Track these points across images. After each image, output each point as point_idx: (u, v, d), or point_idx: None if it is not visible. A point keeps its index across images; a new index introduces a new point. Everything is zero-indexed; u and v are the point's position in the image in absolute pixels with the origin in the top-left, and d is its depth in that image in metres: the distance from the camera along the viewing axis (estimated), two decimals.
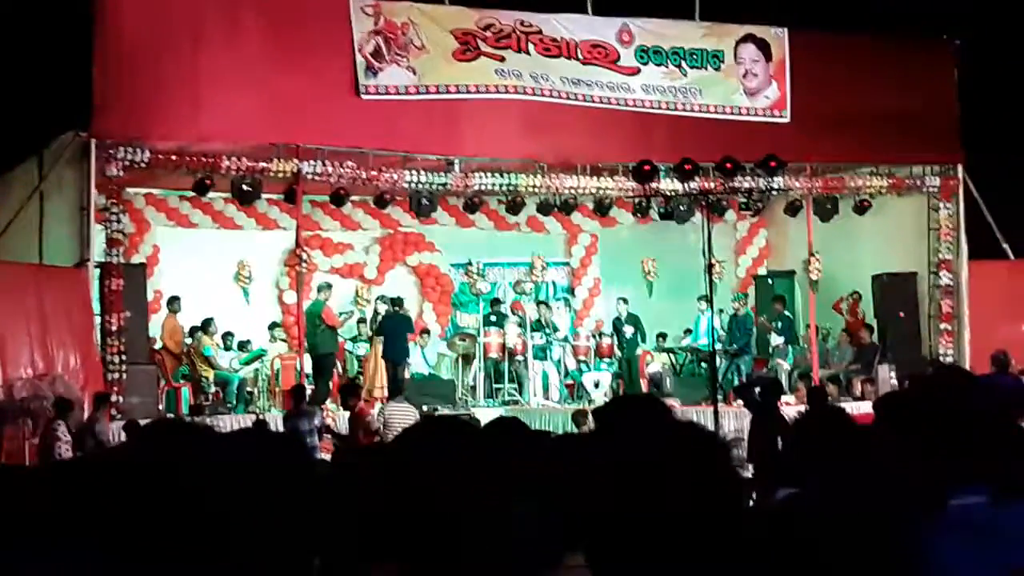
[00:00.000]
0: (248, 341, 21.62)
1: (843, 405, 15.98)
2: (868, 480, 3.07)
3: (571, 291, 26.24)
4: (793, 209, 22.47)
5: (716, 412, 17.03)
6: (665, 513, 2.51)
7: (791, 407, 17.52)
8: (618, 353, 22.74)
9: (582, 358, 22.61)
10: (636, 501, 2.53)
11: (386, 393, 20.72)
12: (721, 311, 22.18)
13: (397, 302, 22.09)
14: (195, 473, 2.35)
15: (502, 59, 20.02)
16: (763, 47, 21.60)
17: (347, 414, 17.06)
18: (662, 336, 23.46)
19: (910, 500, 3.02)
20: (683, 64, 21.09)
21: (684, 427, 2.73)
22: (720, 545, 2.48)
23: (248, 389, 20.59)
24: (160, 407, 18.79)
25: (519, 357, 22.08)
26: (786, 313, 22.76)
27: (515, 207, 21.66)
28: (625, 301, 23.51)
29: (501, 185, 20.67)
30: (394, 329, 21.41)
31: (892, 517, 2.93)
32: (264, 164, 18.95)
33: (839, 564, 2.87)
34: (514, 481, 2.81)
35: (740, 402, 18.64)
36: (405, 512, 2.51)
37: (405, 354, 21.44)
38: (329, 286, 21.68)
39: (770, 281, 24.83)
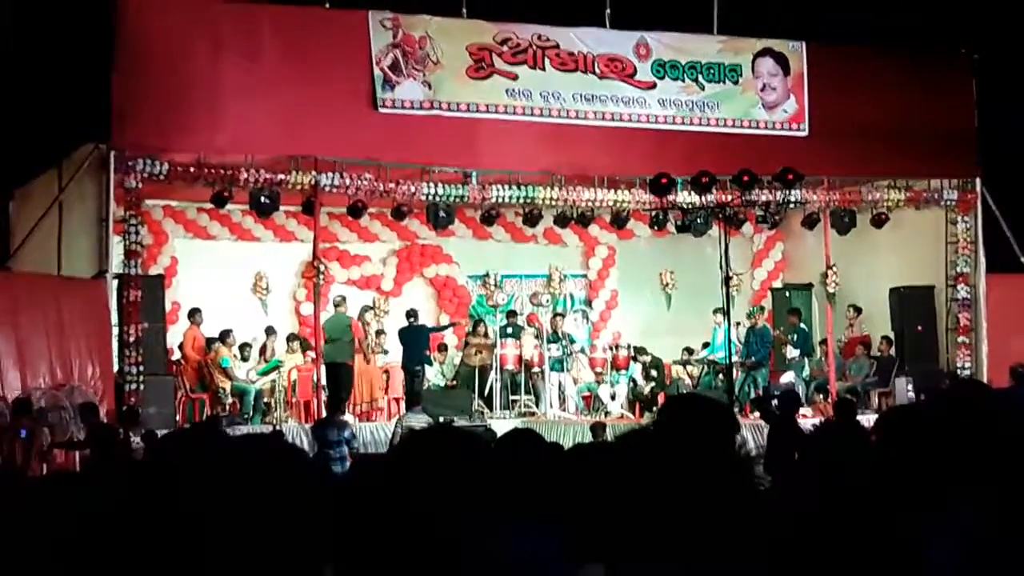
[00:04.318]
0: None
1: (860, 418, 15.95)
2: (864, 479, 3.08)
3: (588, 303, 26.25)
4: (810, 222, 22.42)
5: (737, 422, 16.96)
6: (687, 522, 2.52)
7: (807, 420, 17.51)
8: None
9: (599, 370, 22.58)
10: (659, 510, 2.54)
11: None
12: (738, 324, 22.16)
13: (412, 313, 22.14)
14: (199, 480, 2.37)
15: (515, 77, 20.02)
16: (781, 61, 21.58)
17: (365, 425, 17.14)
18: (688, 351, 23.31)
19: (908, 500, 3.03)
20: (700, 78, 21.08)
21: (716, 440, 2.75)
22: (739, 549, 2.50)
23: (265, 400, 20.62)
24: (178, 418, 18.85)
25: (536, 369, 22.07)
26: (802, 326, 22.74)
27: (532, 219, 21.70)
28: None
29: (518, 197, 20.70)
30: (411, 339, 21.46)
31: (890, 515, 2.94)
32: (282, 176, 19.01)
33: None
34: (520, 494, 2.82)
35: (757, 414, 18.68)
36: (403, 525, 2.53)
37: (425, 362, 21.53)
38: (344, 299, 21.72)
39: (787, 294, 24.81)
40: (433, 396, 20.63)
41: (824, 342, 22.79)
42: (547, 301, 24.58)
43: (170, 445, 2.77)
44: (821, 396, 21.39)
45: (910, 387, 20.80)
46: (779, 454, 13.89)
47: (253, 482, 2.41)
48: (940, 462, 3.13)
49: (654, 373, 22.66)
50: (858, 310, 23.38)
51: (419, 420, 16.75)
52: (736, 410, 18.91)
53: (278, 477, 2.44)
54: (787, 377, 21.93)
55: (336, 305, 21.34)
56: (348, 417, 19.47)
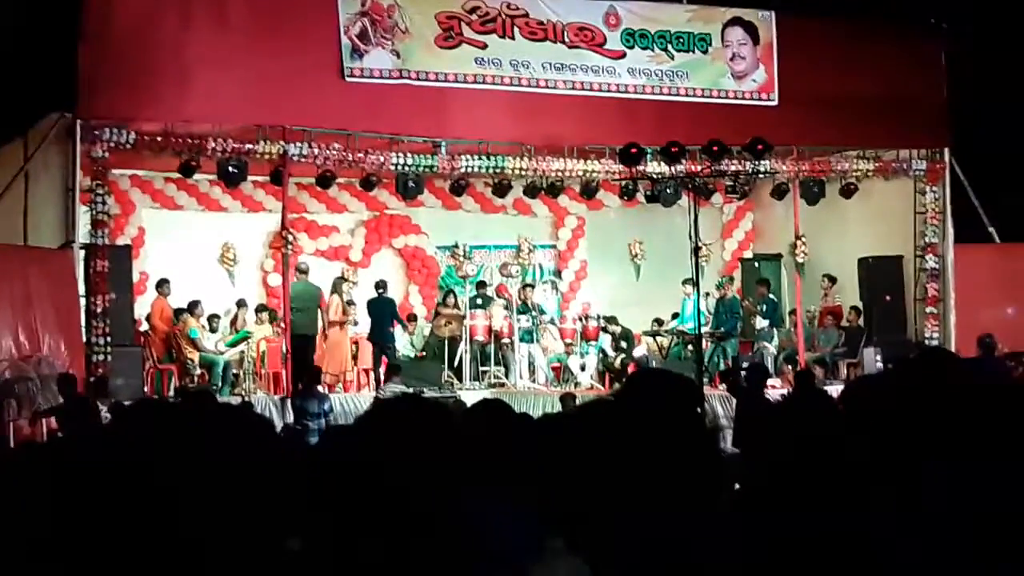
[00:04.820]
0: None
1: (828, 388, 16.03)
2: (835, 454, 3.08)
3: (558, 274, 26.26)
4: (780, 192, 22.48)
5: (702, 395, 17.03)
6: (652, 494, 2.51)
7: (776, 390, 17.59)
8: None
9: (569, 341, 22.60)
10: (623, 482, 2.53)
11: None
12: (707, 294, 22.22)
13: (381, 284, 22.08)
14: (167, 454, 2.35)
15: (484, 46, 19.95)
16: (750, 30, 21.57)
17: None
18: (658, 322, 23.40)
19: (876, 472, 3.03)
20: (669, 47, 21.06)
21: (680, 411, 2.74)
22: (701, 521, 2.49)
23: (233, 371, 20.56)
24: (146, 389, 18.78)
25: (505, 340, 22.08)
26: (771, 296, 22.79)
27: (502, 189, 21.64)
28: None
29: (488, 167, 20.65)
30: (380, 312, 21.42)
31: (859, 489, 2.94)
32: (250, 146, 18.89)
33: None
34: (488, 465, 2.80)
35: (724, 385, 18.75)
36: (369, 495, 2.51)
37: (390, 337, 21.49)
38: (308, 267, 21.54)
39: (756, 264, 24.87)
40: (403, 367, 20.60)
41: (793, 312, 22.86)
42: (516, 272, 24.59)
43: (139, 415, 2.75)
44: (790, 366, 21.46)
45: (878, 357, 20.88)
46: (747, 427, 13.94)
47: (220, 453, 2.39)
48: (908, 433, 3.12)
49: (623, 344, 22.69)
50: (832, 280, 23.42)
51: (398, 391, 16.76)
52: (706, 380, 18.95)
53: (246, 448, 2.42)
54: (764, 348, 22.04)
55: (302, 272, 21.13)
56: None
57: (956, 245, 22.22)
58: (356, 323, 21.98)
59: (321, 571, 2.55)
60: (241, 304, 21.99)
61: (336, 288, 21.61)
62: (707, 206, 23.10)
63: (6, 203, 17.73)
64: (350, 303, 22.17)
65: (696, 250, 17.75)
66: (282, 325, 20.32)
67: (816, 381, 19.44)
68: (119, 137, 17.84)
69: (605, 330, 22.76)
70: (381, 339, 21.15)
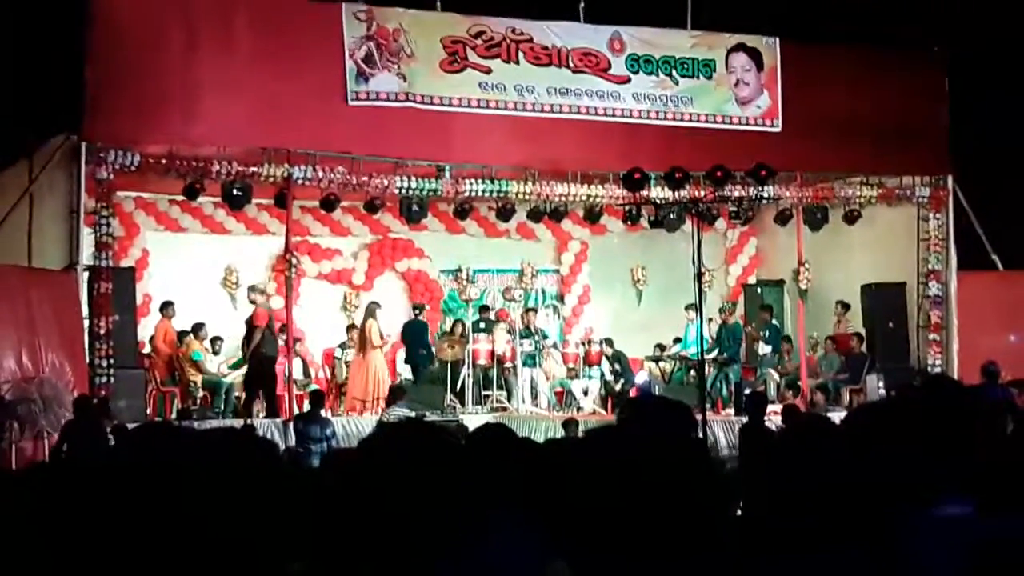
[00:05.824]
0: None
1: (831, 415, 15.98)
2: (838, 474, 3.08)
3: (560, 298, 26.24)
4: (783, 218, 22.49)
5: (704, 421, 16.98)
6: (653, 516, 2.51)
7: (777, 416, 17.55)
8: None
9: (571, 365, 22.58)
10: (627, 503, 2.53)
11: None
12: (710, 320, 22.19)
13: (418, 307, 22.19)
14: (172, 476, 2.35)
15: (488, 71, 19.98)
16: (754, 56, 21.59)
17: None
18: (660, 347, 23.40)
19: (891, 495, 3.03)
20: (674, 73, 21.08)
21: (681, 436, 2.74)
22: (700, 545, 2.49)
23: (236, 394, 20.53)
24: (148, 411, 18.77)
25: (508, 364, 22.05)
26: (773, 322, 22.78)
27: (505, 214, 21.69)
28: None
29: (492, 191, 20.70)
30: (414, 335, 21.55)
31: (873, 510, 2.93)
32: (255, 168, 18.94)
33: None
34: (491, 489, 2.80)
35: (728, 411, 18.71)
36: (372, 520, 2.51)
37: (425, 360, 21.58)
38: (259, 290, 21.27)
39: (759, 290, 24.85)
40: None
41: (788, 339, 22.85)
42: (519, 296, 24.59)
43: (143, 438, 2.76)
44: (791, 392, 21.44)
45: (881, 384, 20.85)
46: (752, 455, 13.84)
47: (223, 475, 2.40)
48: (915, 460, 3.12)
49: (617, 367, 22.64)
50: (846, 306, 23.27)
51: (402, 414, 16.78)
52: (708, 406, 18.93)
53: (248, 471, 2.42)
54: (768, 374, 22.00)
55: (259, 292, 20.84)
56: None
57: (959, 272, 22.20)
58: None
59: None
60: None
61: (372, 313, 21.49)
62: (710, 232, 23.10)
63: (11, 224, 17.74)
64: (352, 327, 22.17)
65: (699, 276, 17.72)
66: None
67: (818, 407, 19.47)
68: (124, 159, 17.87)
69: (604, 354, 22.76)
70: (414, 361, 21.26)
